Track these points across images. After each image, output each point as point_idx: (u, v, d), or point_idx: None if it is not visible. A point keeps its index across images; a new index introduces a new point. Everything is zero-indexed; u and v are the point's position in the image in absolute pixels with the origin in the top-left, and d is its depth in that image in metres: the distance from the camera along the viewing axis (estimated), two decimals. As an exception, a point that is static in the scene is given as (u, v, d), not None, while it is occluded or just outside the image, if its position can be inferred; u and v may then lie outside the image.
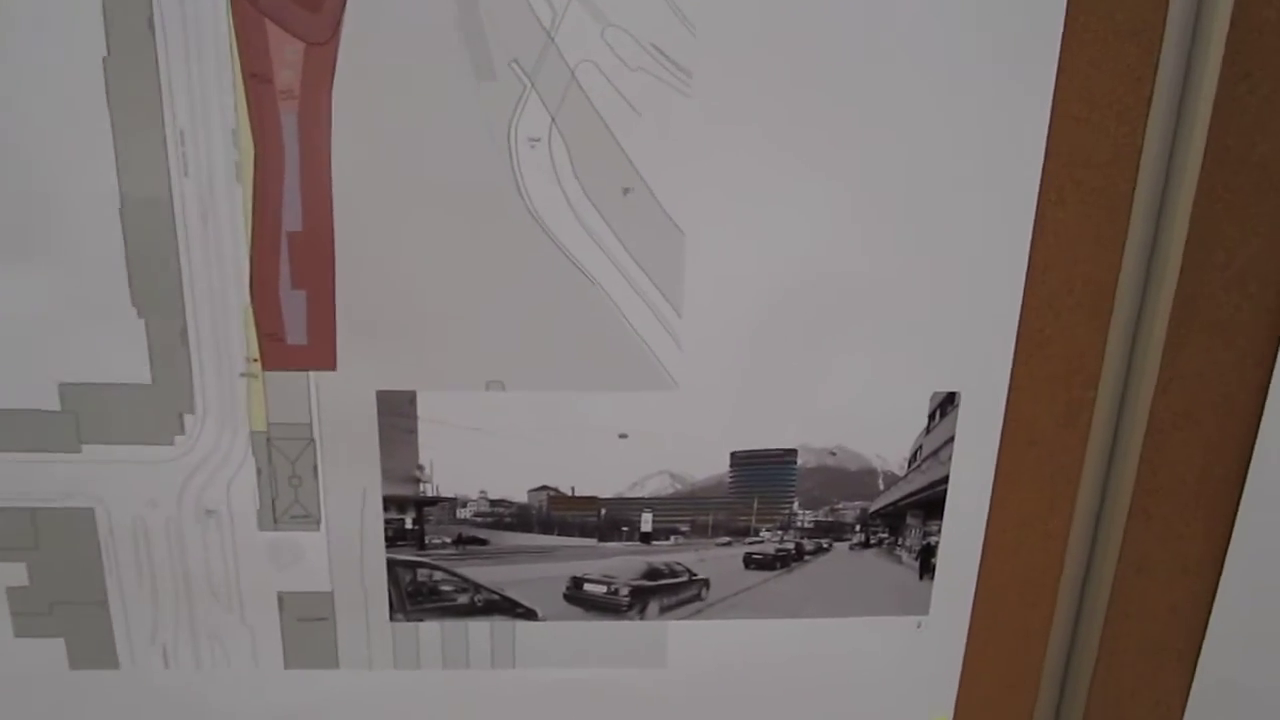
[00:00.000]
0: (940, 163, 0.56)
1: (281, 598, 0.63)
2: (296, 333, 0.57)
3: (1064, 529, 0.65)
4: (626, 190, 0.55)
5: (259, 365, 0.57)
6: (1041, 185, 0.56)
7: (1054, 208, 0.57)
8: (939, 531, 0.65)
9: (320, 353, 0.57)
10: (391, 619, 0.64)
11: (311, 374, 0.58)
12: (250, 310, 0.56)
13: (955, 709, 0.69)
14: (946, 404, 0.61)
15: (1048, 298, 0.59)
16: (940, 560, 0.65)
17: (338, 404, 0.59)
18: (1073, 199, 0.57)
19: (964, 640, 0.68)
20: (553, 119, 0.53)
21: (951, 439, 0.62)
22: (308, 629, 0.64)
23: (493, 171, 0.54)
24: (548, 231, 0.55)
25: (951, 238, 0.57)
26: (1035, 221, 0.57)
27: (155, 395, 0.58)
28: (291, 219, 0.54)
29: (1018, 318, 0.59)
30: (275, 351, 0.57)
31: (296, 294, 0.56)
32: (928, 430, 0.62)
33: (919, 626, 0.67)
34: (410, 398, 0.59)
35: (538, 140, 0.53)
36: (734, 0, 0.52)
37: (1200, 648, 0.66)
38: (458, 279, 0.56)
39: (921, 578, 0.66)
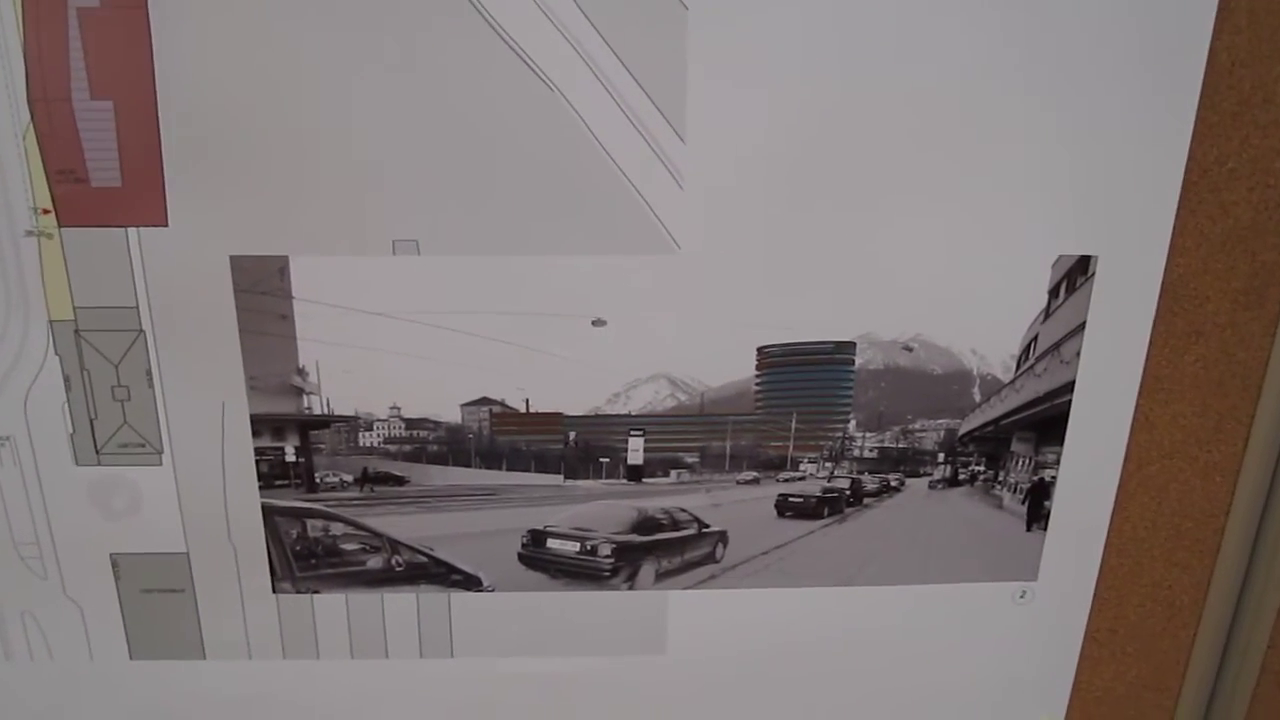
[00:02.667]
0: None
1: (116, 561, 0.57)
2: (104, 169, 0.49)
3: (1234, 459, 0.58)
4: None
5: (52, 219, 0.50)
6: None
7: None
8: (1057, 463, 0.58)
9: (142, 200, 0.50)
10: (275, 590, 0.58)
11: (133, 232, 0.50)
12: (31, 133, 0.49)
13: (1068, 711, 0.64)
14: (1076, 274, 0.54)
15: (1230, 112, 0.51)
16: (1057, 504, 0.59)
17: (174, 277, 0.51)
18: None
19: (1084, 617, 0.62)
20: None
21: (1082, 326, 0.55)
22: (158, 605, 0.58)
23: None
24: (480, 8, 0.47)
25: (1088, 27, 0.49)
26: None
27: (-101, 264, 0.51)
28: (84, -14, 0.47)
29: (1185, 147, 0.51)
30: (75, 198, 0.50)
31: (99, 107, 0.48)
32: (1047, 314, 0.55)
33: (1022, 597, 0.61)
34: (280, 266, 0.51)
35: None
36: None
37: None
38: (349, 85, 0.48)
39: (1029, 528, 0.60)
